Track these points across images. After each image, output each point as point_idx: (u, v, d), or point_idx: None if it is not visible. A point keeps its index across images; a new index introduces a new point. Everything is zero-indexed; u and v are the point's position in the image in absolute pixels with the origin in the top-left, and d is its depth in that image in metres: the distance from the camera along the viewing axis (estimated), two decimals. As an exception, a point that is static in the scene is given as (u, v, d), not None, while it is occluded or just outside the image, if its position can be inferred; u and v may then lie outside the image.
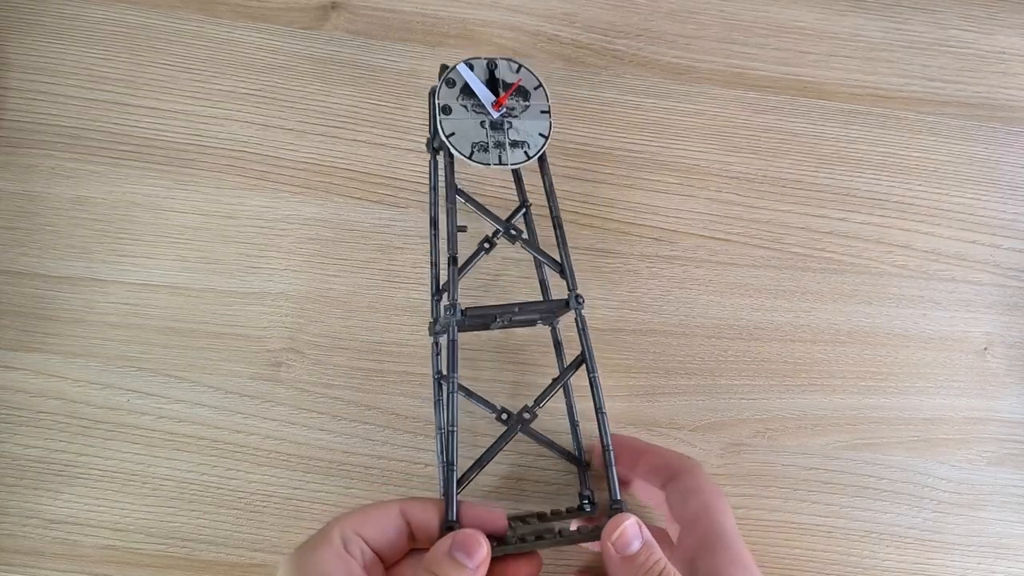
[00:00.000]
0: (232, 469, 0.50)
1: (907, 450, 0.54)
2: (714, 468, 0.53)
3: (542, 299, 0.48)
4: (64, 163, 0.54)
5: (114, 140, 0.55)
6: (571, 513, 0.44)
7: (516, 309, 0.42)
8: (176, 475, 0.50)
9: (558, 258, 0.43)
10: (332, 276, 0.54)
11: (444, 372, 0.41)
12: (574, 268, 0.43)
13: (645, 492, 0.44)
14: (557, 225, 0.43)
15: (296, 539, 0.49)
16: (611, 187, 0.57)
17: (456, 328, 0.40)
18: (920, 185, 0.59)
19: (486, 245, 0.43)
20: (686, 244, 0.56)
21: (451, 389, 0.39)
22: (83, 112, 0.55)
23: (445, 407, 0.40)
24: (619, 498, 0.39)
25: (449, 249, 0.41)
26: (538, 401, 0.43)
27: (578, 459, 0.47)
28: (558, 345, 0.50)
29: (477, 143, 0.42)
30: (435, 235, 0.49)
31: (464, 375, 0.51)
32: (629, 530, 0.37)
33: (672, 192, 0.57)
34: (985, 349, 0.56)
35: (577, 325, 0.42)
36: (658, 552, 0.37)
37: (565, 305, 0.42)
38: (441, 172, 0.47)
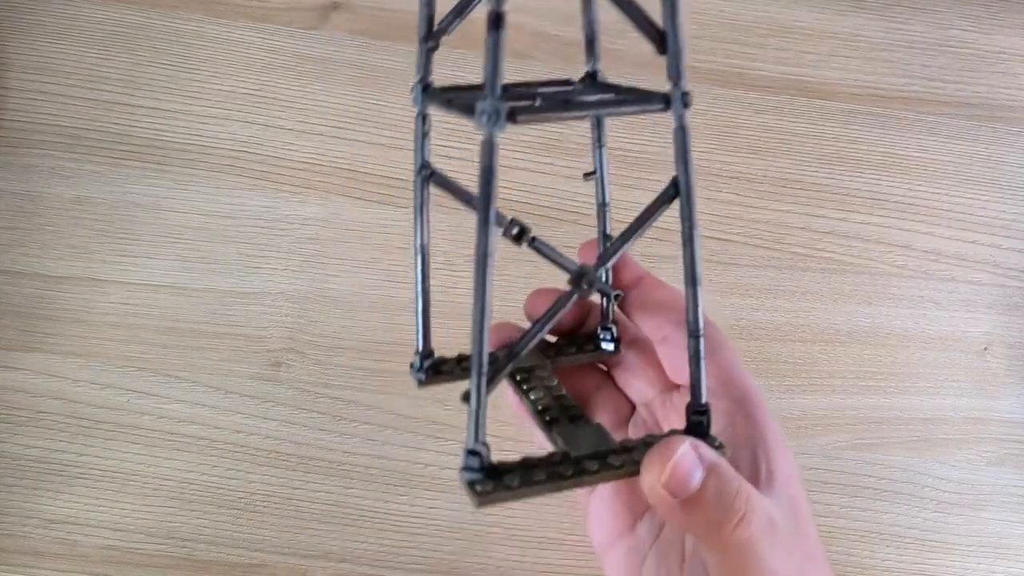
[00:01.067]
0: (232, 469, 0.50)
1: (907, 450, 0.54)
2: (714, 468, 0.53)
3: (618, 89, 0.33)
4: (64, 163, 0.54)
5: (114, 140, 0.55)
6: (585, 351, 0.36)
7: (560, 94, 0.30)
8: (176, 475, 0.50)
9: (659, 22, 0.28)
10: (332, 276, 0.54)
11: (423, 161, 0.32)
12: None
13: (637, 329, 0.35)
14: None
15: (296, 539, 0.49)
16: (611, 187, 0.57)
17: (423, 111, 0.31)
18: (920, 185, 0.59)
19: None
20: (686, 244, 0.56)
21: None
22: (83, 112, 0.55)
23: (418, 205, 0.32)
24: (704, 402, 0.28)
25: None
26: (603, 260, 0.31)
27: (608, 289, 0.35)
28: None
29: None
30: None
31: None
32: (685, 461, 0.26)
33: (672, 192, 0.57)
34: (985, 349, 0.56)
35: (676, 141, 0.29)
36: (733, 478, 0.26)
37: (661, 104, 0.29)
38: None
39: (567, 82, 0.34)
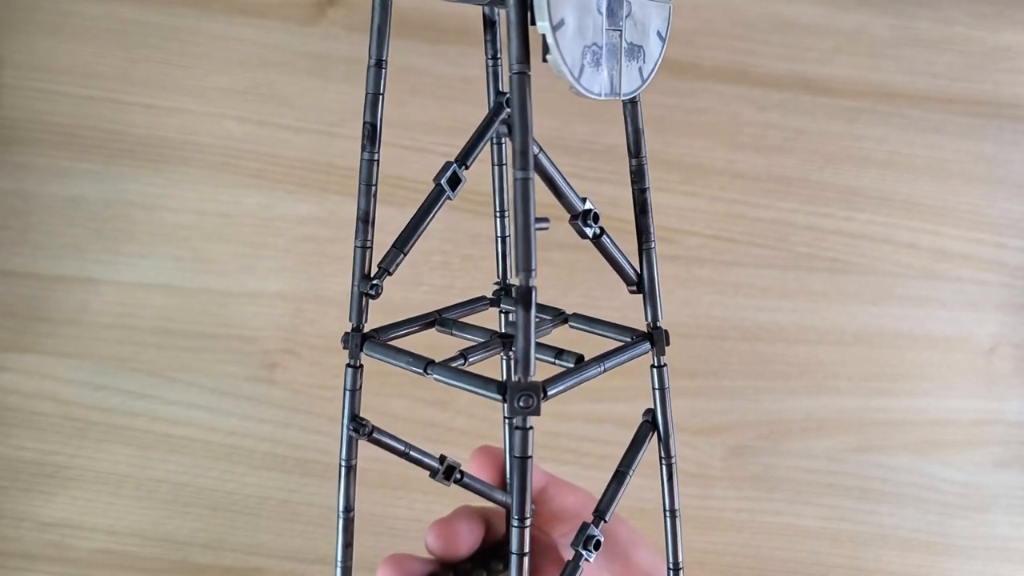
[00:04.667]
0: (228, 472, 0.49)
1: (913, 452, 0.53)
2: (717, 471, 0.52)
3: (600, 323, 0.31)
4: (57, 161, 0.54)
5: (108, 138, 0.54)
6: (495, 573, 0.34)
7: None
8: (171, 478, 0.49)
9: (637, 266, 0.28)
10: (329, 276, 0.53)
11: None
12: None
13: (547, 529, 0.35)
14: (642, 210, 0.27)
15: (293, 543, 0.49)
16: (612, 185, 0.56)
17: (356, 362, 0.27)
18: (926, 183, 0.59)
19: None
20: (689, 243, 0.56)
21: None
22: (77, 110, 0.55)
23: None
24: None
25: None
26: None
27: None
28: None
29: (590, 47, 0.24)
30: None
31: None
32: None
33: (675, 190, 0.57)
34: (991, 350, 0.56)
35: (653, 384, 0.29)
36: None
37: (646, 343, 0.29)
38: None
39: (482, 299, 0.32)
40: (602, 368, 0.26)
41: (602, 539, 0.27)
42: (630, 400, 0.53)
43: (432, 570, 0.34)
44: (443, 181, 0.25)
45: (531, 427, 0.22)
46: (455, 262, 0.54)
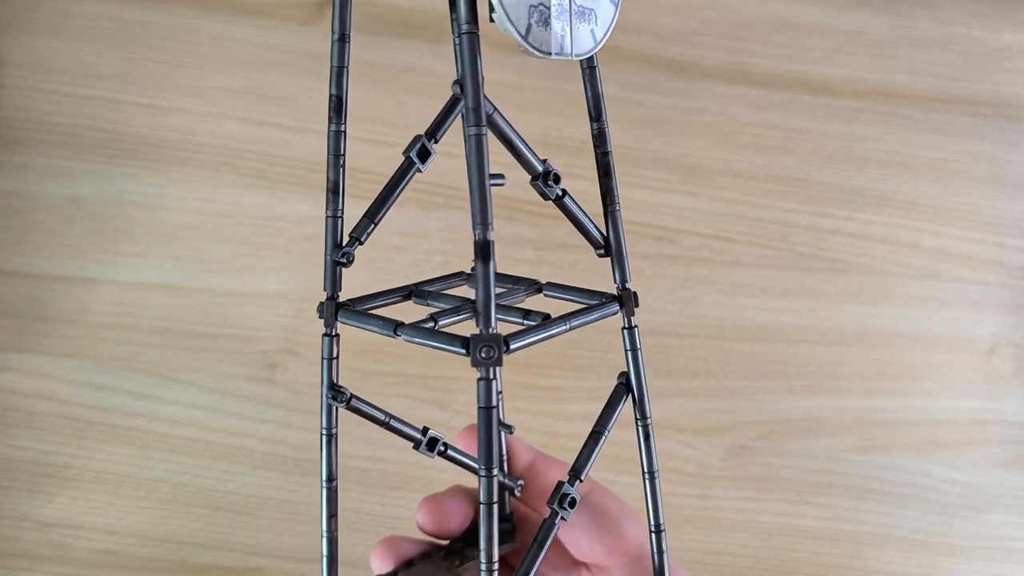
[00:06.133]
0: (228, 472, 0.49)
1: (913, 452, 0.53)
2: (717, 471, 0.52)
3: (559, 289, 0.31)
4: (57, 161, 0.54)
5: (108, 138, 0.54)
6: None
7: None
8: (171, 478, 0.49)
9: (604, 228, 0.29)
10: (329, 276, 0.53)
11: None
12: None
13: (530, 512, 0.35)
14: (605, 172, 0.29)
15: (293, 543, 0.49)
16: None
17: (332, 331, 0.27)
18: (926, 183, 0.59)
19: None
20: (689, 243, 0.56)
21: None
22: (76, 109, 0.54)
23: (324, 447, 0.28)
24: None
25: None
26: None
27: (508, 483, 0.34)
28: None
29: (536, 7, 0.25)
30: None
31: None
32: None
33: (675, 190, 0.57)
34: (991, 350, 0.56)
35: (625, 346, 0.29)
36: None
37: (614, 304, 0.29)
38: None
39: (460, 275, 0.32)
40: (568, 326, 0.26)
41: (577, 497, 0.27)
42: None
43: (424, 550, 0.33)
44: (412, 154, 0.25)
45: (494, 378, 0.23)
46: (455, 262, 0.54)
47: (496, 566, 0.23)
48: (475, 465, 0.29)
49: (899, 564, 0.51)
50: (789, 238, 0.57)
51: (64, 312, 0.51)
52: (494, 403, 0.23)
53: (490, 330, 0.23)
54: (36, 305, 0.51)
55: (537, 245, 0.53)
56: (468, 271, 0.33)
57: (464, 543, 0.34)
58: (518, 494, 0.33)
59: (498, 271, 0.31)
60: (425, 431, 0.29)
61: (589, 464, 0.28)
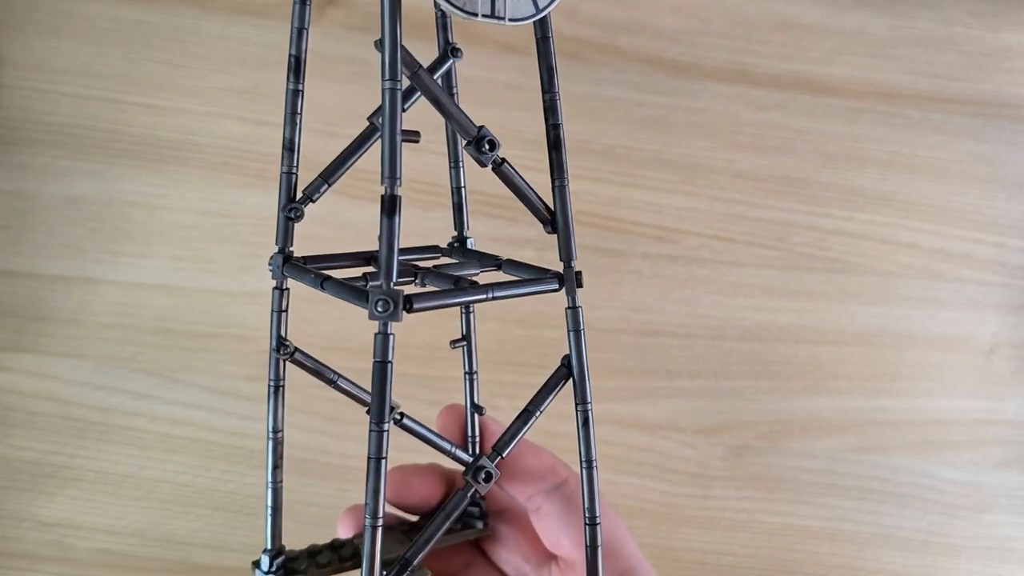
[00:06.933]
0: (228, 472, 0.49)
1: (913, 452, 0.53)
2: (717, 471, 0.52)
3: (504, 263, 0.31)
4: (57, 161, 0.54)
5: (108, 138, 0.54)
6: (452, 531, 0.33)
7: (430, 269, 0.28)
8: (171, 478, 0.49)
9: (549, 203, 0.27)
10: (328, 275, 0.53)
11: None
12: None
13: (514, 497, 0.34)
14: (555, 145, 0.27)
15: (293, 543, 0.49)
16: (612, 185, 0.56)
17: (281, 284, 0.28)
18: (926, 183, 0.59)
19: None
20: (689, 243, 0.56)
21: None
22: (77, 109, 0.54)
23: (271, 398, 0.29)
24: None
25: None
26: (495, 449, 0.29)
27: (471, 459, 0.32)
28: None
29: None
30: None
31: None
32: None
33: (675, 190, 0.57)
34: (991, 350, 0.56)
35: (568, 327, 0.28)
36: None
37: (556, 284, 0.28)
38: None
39: (434, 248, 0.32)
40: (488, 295, 0.26)
41: (494, 473, 0.27)
42: (628, 400, 0.53)
43: (388, 523, 0.32)
44: (376, 120, 0.26)
45: (392, 333, 0.23)
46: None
47: (380, 522, 0.23)
48: (430, 436, 0.30)
49: (899, 564, 0.51)
50: (789, 238, 0.57)
51: (64, 312, 0.51)
52: (389, 358, 0.23)
53: (391, 285, 0.23)
54: (36, 305, 0.51)
55: (537, 245, 0.53)
56: (444, 245, 0.33)
57: (423, 522, 0.34)
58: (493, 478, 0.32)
59: (474, 248, 0.32)
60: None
61: (513, 443, 0.28)
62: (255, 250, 0.53)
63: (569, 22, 0.60)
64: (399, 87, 0.23)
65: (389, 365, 0.23)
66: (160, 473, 0.49)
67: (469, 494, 0.28)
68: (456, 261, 0.31)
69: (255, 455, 0.50)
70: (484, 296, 0.26)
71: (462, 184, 0.33)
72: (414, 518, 0.34)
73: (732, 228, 0.56)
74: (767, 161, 0.58)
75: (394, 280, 0.23)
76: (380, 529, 0.23)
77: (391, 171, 0.23)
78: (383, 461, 0.23)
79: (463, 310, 0.33)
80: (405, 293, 0.23)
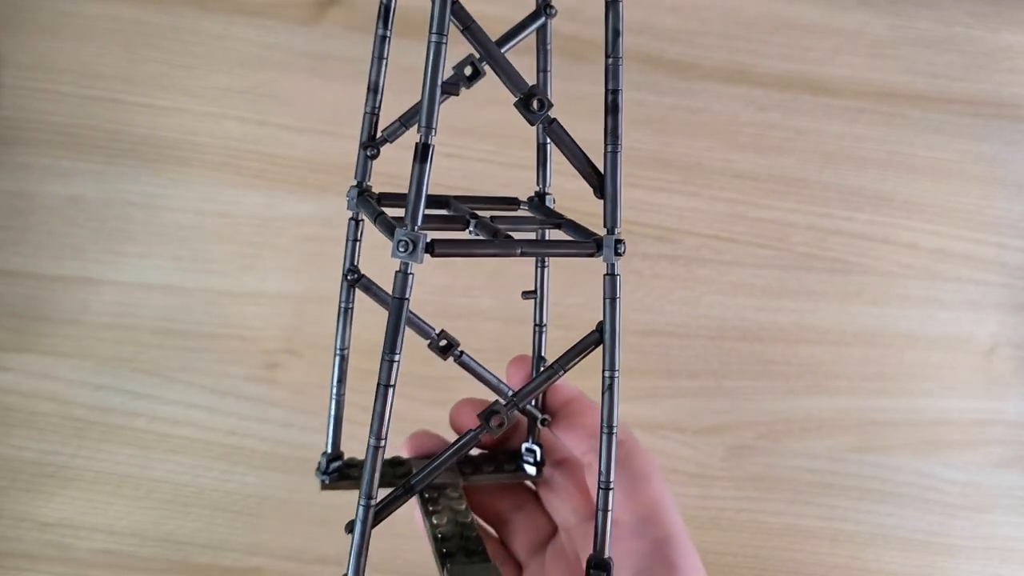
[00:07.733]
0: (228, 472, 0.49)
1: (913, 452, 0.53)
2: (717, 471, 0.52)
3: (555, 219, 0.31)
4: (58, 161, 0.54)
5: (108, 138, 0.54)
6: (504, 471, 0.34)
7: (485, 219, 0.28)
8: (171, 478, 0.49)
9: (600, 166, 0.28)
10: (329, 275, 0.53)
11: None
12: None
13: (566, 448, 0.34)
14: (612, 109, 0.27)
15: (293, 543, 0.49)
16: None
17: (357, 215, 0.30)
18: (926, 183, 0.59)
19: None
20: (689, 243, 0.56)
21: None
22: (77, 110, 0.54)
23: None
24: (606, 557, 0.27)
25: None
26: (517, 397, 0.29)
27: (534, 412, 0.33)
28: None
29: None
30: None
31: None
32: None
33: (675, 190, 0.57)
34: (991, 350, 0.56)
35: (604, 291, 0.28)
36: None
37: (592, 249, 0.28)
38: None
39: (514, 201, 0.33)
40: (519, 251, 0.26)
41: (507, 419, 0.28)
42: (629, 400, 0.53)
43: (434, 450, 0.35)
44: (463, 70, 0.25)
45: (412, 273, 0.25)
46: (458, 262, 0.54)
47: (383, 443, 0.25)
48: (488, 378, 0.31)
49: (899, 564, 0.51)
50: (789, 238, 0.57)
51: (64, 312, 0.51)
52: (407, 295, 0.25)
53: (415, 228, 0.24)
54: (36, 305, 0.51)
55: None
56: (524, 200, 0.33)
57: (489, 459, 0.35)
58: (544, 426, 0.33)
59: (551, 205, 0.33)
60: (442, 334, 0.30)
61: (530, 396, 0.29)
62: (255, 250, 0.53)
63: (570, 22, 0.60)
64: (444, 41, 0.24)
65: (406, 302, 0.25)
66: (160, 473, 0.49)
67: (481, 434, 0.28)
68: (524, 215, 0.32)
69: (255, 455, 0.50)
70: (513, 251, 0.26)
71: (547, 140, 0.34)
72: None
73: (732, 228, 0.56)
74: (767, 161, 0.58)
75: (419, 224, 0.24)
76: (382, 449, 0.25)
77: (427, 121, 0.23)
78: (391, 388, 0.25)
79: (538, 263, 0.34)
80: (430, 238, 0.24)
